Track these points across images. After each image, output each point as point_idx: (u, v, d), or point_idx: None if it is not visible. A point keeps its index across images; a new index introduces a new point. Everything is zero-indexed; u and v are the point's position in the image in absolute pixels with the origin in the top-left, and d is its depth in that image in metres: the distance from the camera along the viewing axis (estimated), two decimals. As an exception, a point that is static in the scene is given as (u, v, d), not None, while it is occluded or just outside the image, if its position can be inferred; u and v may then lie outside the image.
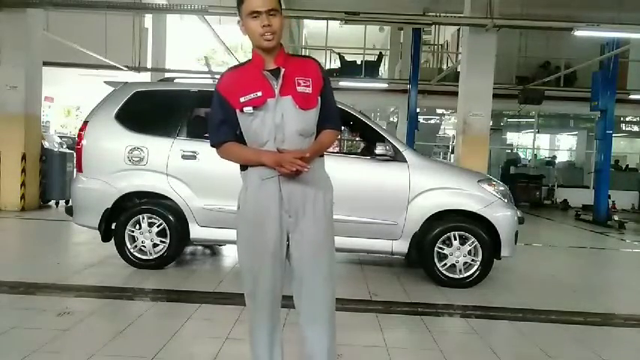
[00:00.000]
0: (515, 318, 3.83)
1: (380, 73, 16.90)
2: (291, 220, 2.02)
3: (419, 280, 4.79)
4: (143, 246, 4.66)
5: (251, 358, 2.15)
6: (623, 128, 17.55)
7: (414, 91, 12.51)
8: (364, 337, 3.29)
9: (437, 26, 15.50)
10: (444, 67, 15.85)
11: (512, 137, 18.06)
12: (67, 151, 9.66)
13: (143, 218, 4.64)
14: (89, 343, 2.92)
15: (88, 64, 13.09)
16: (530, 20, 9.53)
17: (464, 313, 3.89)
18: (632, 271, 6.58)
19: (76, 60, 12.75)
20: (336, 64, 16.13)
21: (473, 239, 4.49)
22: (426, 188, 4.56)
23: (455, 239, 4.51)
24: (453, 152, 15.17)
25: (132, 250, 4.65)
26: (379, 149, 4.50)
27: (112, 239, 4.69)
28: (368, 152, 4.80)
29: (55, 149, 9.33)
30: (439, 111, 18.12)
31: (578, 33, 8.28)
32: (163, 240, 4.64)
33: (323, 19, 11.41)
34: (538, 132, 16.87)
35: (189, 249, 5.66)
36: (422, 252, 4.54)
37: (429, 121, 18.27)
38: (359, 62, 15.57)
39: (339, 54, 15.60)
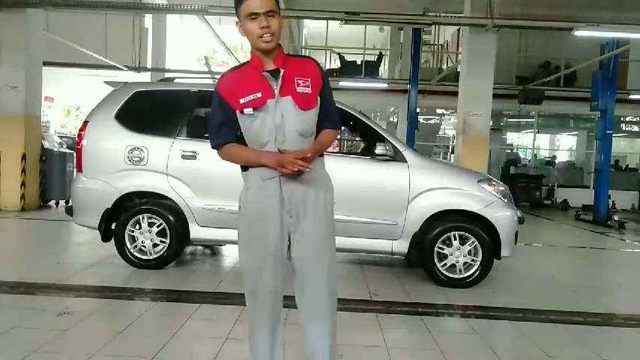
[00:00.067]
0: (515, 318, 3.83)
1: (380, 73, 16.89)
2: (292, 220, 2.02)
3: (419, 280, 4.79)
4: (143, 246, 4.66)
5: (250, 359, 2.16)
6: (623, 128, 17.55)
7: (414, 91, 12.50)
8: (364, 337, 3.29)
9: (437, 26, 15.49)
10: (444, 67, 15.84)
11: (512, 137, 18.05)
12: (67, 151, 9.66)
13: (143, 218, 4.64)
14: (89, 343, 2.93)
15: (88, 64, 13.09)
16: (530, 20, 9.53)
17: (464, 313, 3.89)
18: (632, 271, 6.58)
19: (76, 60, 12.75)
20: (336, 64, 16.13)
21: (473, 239, 4.49)
22: (426, 188, 4.55)
23: (455, 239, 4.51)
24: (453, 152, 15.17)
25: (132, 250, 4.65)
26: (379, 149, 4.50)
27: (112, 239, 4.69)
28: (368, 152, 4.80)
29: (55, 149, 9.33)
30: (439, 111, 18.12)
31: (578, 33, 8.28)
32: (163, 240, 4.65)
33: (323, 19, 11.40)
34: (538, 132, 16.86)
35: (189, 249, 5.66)
36: (422, 252, 4.54)
37: (429, 121, 18.27)
38: (359, 62, 15.56)
39: (339, 54, 15.59)
